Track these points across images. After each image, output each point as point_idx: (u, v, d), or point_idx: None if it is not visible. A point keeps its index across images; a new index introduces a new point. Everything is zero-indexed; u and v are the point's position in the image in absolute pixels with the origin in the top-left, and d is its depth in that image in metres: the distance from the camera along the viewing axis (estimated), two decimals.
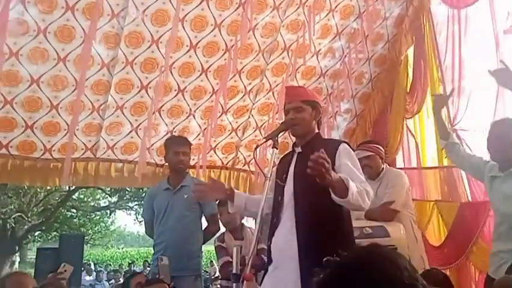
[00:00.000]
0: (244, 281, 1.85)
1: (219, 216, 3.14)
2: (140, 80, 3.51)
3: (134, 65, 3.43)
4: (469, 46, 3.61)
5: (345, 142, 2.27)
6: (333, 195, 1.93)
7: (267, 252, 2.21)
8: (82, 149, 3.66)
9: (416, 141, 4.10)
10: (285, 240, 2.07)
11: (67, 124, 3.45)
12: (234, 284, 1.89)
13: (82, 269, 10.04)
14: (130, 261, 17.27)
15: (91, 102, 3.48)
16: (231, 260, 2.59)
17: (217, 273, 6.28)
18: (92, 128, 3.61)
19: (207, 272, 12.10)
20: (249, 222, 3.36)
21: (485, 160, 2.78)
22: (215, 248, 3.12)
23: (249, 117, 4.11)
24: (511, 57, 3.36)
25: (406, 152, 4.16)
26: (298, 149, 2.26)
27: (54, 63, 3.19)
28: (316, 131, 2.28)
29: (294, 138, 2.39)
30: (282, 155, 2.50)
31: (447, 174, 3.71)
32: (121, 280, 10.70)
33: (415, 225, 3.14)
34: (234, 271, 1.92)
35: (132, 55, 3.38)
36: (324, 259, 0.88)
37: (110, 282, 10.98)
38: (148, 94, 3.58)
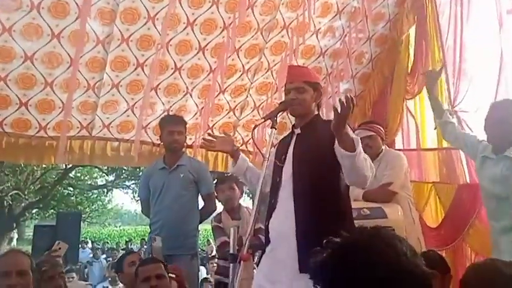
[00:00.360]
0: (242, 261, 1.84)
1: (217, 194, 3.12)
2: (136, 57, 3.44)
3: (130, 42, 3.35)
4: (471, 28, 3.54)
5: None
6: (341, 149, 1.92)
7: (264, 232, 2.20)
8: (77, 127, 3.61)
9: (416, 122, 4.06)
10: (283, 221, 2.06)
11: (62, 102, 3.40)
12: (231, 265, 1.88)
13: (79, 246, 10.11)
14: (127, 239, 17.40)
15: (86, 79, 3.42)
16: (228, 240, 2.59)
17: (214, 253, 6.31)
18: (88, 106, 3.56)
19: (204, 250, 12.20)
20: (246, 202, 3.34)
21: (478, 139, 2.78)
22: (212, 228, 3.10)
23: (247, 96, 4.06)
24: None
25: (406, 133, 4.13)
26: (298, 131, 2.23)
27: (48, 40, 3.12)
28: (316, 112, 2.25)
29: (293, 119, 2.35)
30: (282, 136, 2.47)
31: (446, 156, 3.69)
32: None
33: (413, 207, 3.13)
34: (231, 251, 1.91)
35: (128, 32, 3.31)
36: (325, 240, 0.88)
37: (107, 260, 11.08)
38: (144, 72, 3.52)
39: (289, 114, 2.34)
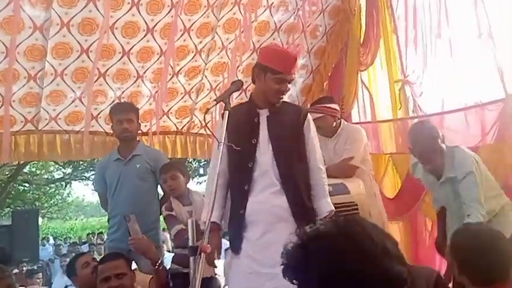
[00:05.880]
0: (202, 253, 1.77)
1: (162, 183, 2.93)
2: (79, 43, 3.22)
3: (71, 27, 3.13)
4: None
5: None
6: None
7: (239, 219, 2.15)
8: (22, 121, 3.38)
9: (370, 94, 4.09)
10: (273, 204, 2.11)
11: (1, 95, 3.15)
12: (192, 258, 1.80)
13: (39, 244, 9.69)
14: (90, 232, 16.94)
15: (25, 70, 3.19)
16: (184, 227, 2.52)
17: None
18: (31, 98, 3.33)
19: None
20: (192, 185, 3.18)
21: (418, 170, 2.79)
22: (164, 217, 2.90)
23: (202, 78, 3.92)
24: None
25: (361, 105, 4.14)
26: (266, 112, 2.22)
27: None
28: None
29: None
30: (228, 114, 2.35)
31: (401, 125, 3.74)
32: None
33: (373, 180, 3.15)
34: (190, 244, 1.83)
35: (67, 16, 3.08)
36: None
37: (71, 255, 10.68)
38: (89, 58, 3.31)
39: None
